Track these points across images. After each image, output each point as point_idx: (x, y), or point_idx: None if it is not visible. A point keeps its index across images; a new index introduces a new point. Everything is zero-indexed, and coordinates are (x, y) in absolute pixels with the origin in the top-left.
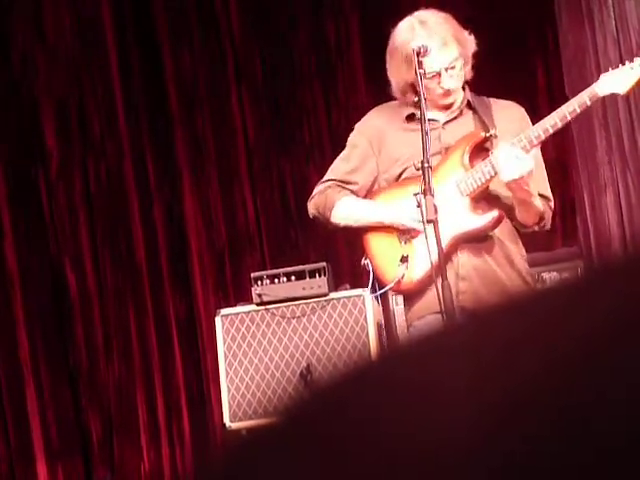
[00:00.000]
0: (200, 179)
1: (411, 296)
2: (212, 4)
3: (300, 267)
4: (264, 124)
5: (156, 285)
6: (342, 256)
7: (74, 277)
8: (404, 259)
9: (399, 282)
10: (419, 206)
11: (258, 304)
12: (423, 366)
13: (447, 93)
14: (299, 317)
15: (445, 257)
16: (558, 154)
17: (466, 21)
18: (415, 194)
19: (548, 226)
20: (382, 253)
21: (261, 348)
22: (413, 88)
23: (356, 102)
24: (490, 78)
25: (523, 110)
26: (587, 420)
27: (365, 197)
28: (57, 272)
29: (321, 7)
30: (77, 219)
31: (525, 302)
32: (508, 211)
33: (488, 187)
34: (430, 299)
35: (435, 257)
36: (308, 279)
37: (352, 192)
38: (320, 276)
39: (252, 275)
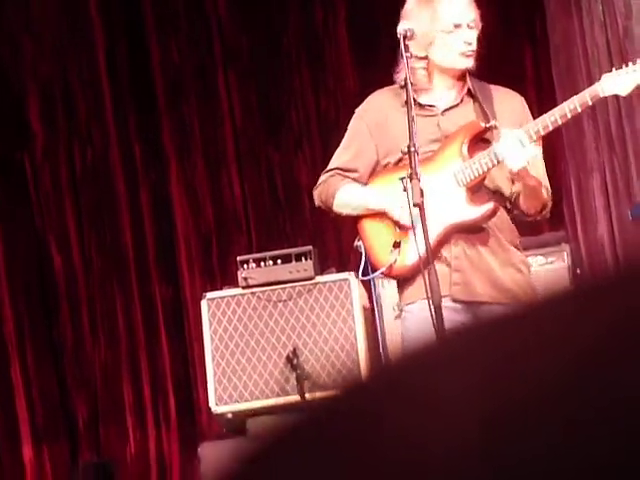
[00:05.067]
0: (187, 163)
1: (403, 281)
2: None
3: (286, 251)
4: (251, 109)
5: (142, 268)
6: (329, 240)
7: (60, 260)
8: (396, 245)
9: (391, 267)
10: (405, 190)
11: (244, 287)
12: (427, 375)
13: (468, 52)
14: (285, 301)
15: (438, 247)
16: (545, 139)
17: None
18: (401, 178)
19: (548, 215)
20: (376, 237)
21: (247, 331)
22: (417, 73)
23: (344, 88)
24: (478, 65)
25: (523, 100)
26: (589, 434)
27: (367, 183)
28: (43, 254)
29: None
30: (63, 202)
31: (526, 312)
32: (505, 203)
33: (485, 179)
34: (422, 284)
35: (424, 244)
36: (294, 262)
37: (354, 180)
38: (306, 260)
39: (238, 259)
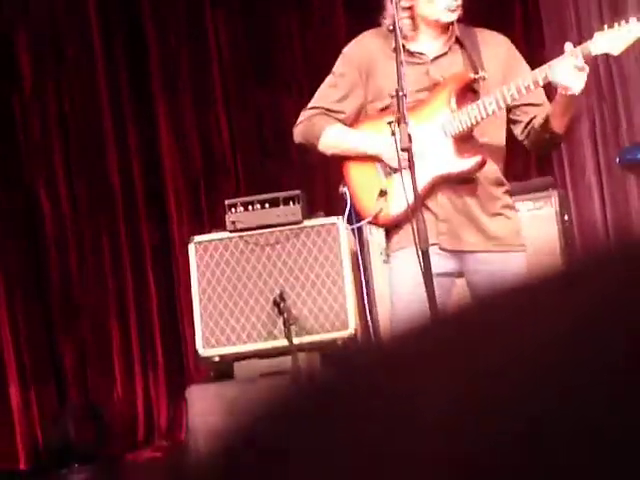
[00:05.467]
0: (174, 106)
1: (390, 228)
2: None
3: (274, 194)
4: (239, 51)
5: (130, 211)
6: (317, 185)
7: (48, 202)
8: (382, 193)
9: (376, 216)
10: (393, 134)
11: (232, 231)
12: (406, 367)
13: (453, 7)
14: (273, 244)
15: (425, 197)
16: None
17: None
18: (389, 122)
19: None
20: (361, 184)
21: (234, 275)
22: (405, 23)
23: (332, 30)
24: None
25: (509, 42)
26: (584, 396)
27: (351, 125)
28: (31, 196)
29: None
30: (51, 144)
31: (520, 287)
32: (496, 153)
33: (473, 130)
34: (410, 232)
35: (411, 193)
36: (282, 206)
37: (339, 121)
38: (294, 204)
39: (226, 202)
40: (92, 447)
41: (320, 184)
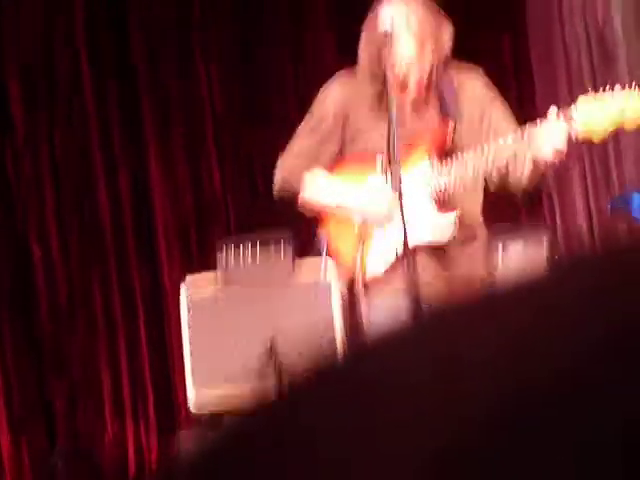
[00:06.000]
0: (166, 149)
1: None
2: None
3: (265, 235)
4: (232, 95)
5: (121, 255)
6: (308, 227)
7: (39, 246)
8: (361, 242)
9: (363, 275)
10: (384, 173)
11: (224, 271)
12: (384, 367)
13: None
14: (266, 287)
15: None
16: (520, 105)
17: None
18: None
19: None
20: (340, 233)
21: (226, 318)
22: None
23: (325, 77)
24: (457, 52)
25: (484, 81)
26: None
27: (330, 169)
28: (22, 241)
29: None
30: (43, 188)
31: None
32: (472, 203)
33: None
34: (391, 288)
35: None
36: (274, 245)
37: (318, 165)
38: (285, 244)
39: (218, 242)
40: None
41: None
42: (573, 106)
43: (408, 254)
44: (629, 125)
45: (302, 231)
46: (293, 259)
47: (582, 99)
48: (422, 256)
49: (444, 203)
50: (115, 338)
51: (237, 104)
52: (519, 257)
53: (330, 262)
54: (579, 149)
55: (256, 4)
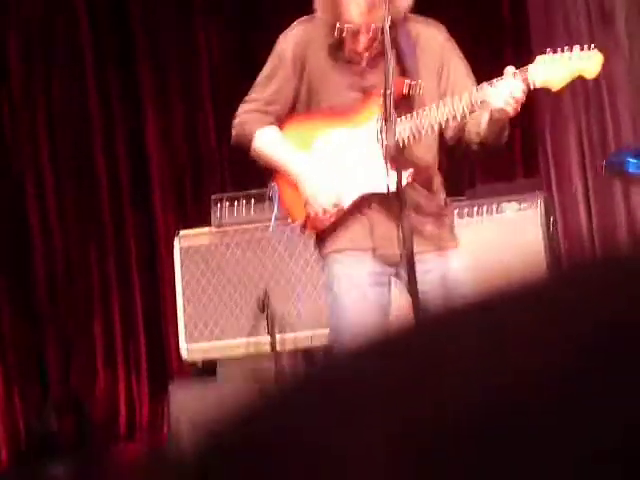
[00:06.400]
0: (163, 102)
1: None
2: None
3: (260, 190)
4: (229, 49)
5: (116, 206)
6: None
7: (35, 197)
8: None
9: (304, 225)
10: (381, 132)
11: (217, 226)
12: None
13: (358, 51)
14: (259, 240)
15: (355, 207)
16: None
17: None
18: (376, 119)
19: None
20: (290, 188)
21: (219, 270)
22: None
23: None
24: (454, 20)
25: (445, 36)
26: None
27: (285, 119)
28: (19, 193)
29: None
30: (39, 139)
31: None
32: (425, 151)
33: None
34: (347, 234)
35: (349, 202)
36: (268, 202)
37: (272, 114)
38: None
39: (212, 197)
40: (74, 440)
41: None
42: (530, 65)
43: (402, 208)
44: (589, 76)
45: None
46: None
47: (539, 59)
48: (374, 207)
49: (397, 158)
50: (108, 289)
51: (234, 58)
52: (514, 217)
53: None
54: (575, 106)
55: None
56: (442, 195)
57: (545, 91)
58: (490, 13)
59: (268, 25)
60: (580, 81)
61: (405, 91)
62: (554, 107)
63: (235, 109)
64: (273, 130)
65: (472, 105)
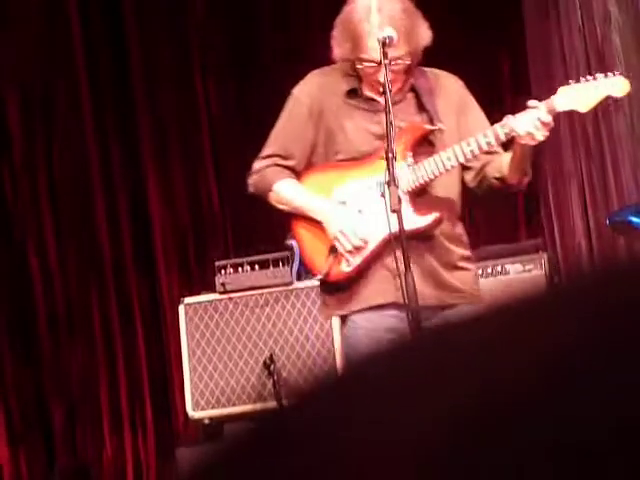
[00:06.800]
0: (164, 166)
1: (338, 288)
2: None
3: (264, 256)
4: (229, 110)
5: (120, 272)
6: None
7: (37, 264)
8: (333, 249)
9: (328, 272)
10: (383, 196)
11: (221, 293)
12: (398, 372)
13: (382, 85)
14: (263, 306)
15: (378, 254)
16: None
17: (426, 11)
18: (378, 183)
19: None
20: (312, 238)
21: (224, 337)
22: (353, 66)
23: None
24: (454, 68)
25: (462, 86)
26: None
27: (305, 169)
28: (20, 258)
29: None
30: (41, 205)
31: (491, 316)
32: (448, 199)
33: (428, 184)
34: (366, 292)
35: (373, 245)
36: (272, 268)
37: (290, 168)
38: (284, 265)
39: (216, 264)
40: None
41: None
42: (553, 97)
43: (406, 268)
44: (617, 95)
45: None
46: (292, 279)
47: (563, 89)
48: (398, 247)
49: (420, 202)
50: (114, 355)
51: (235, 122)
52: (518, 278)
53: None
54: (577, 161)
55: (252, 20)
56: (466, 247)
57: (546, 147)
58: (490, 63)
59: (268, 89)
60: (581, 137)
61: (424, 134)
62: (555, 164)
63: (237, 172)
64: (292, 180)
65: (497, 138)
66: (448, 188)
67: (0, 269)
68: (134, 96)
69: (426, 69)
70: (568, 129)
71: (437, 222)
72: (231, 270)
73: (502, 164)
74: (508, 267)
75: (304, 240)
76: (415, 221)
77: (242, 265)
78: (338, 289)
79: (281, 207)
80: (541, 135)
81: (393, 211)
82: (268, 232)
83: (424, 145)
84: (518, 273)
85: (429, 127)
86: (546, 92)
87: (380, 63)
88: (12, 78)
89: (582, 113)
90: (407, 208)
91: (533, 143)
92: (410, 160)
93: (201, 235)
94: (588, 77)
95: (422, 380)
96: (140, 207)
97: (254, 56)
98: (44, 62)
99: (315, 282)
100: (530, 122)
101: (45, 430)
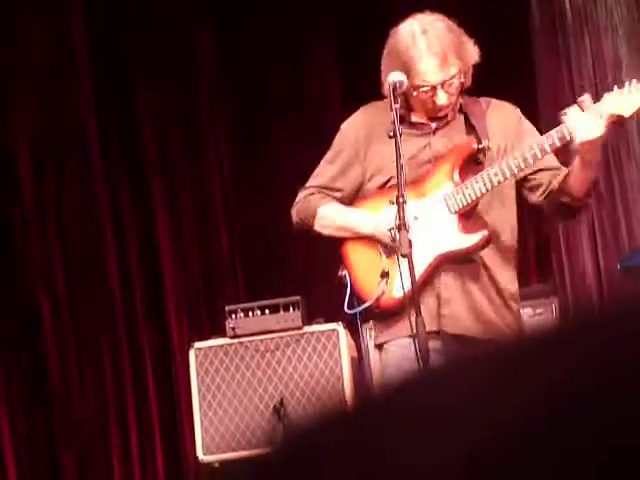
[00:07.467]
0: (174, 212)
1: (386, 316)
2: (186, 44)
3: (274, 300)
4: (239, 158)
5: (130, 318)
6: (316, 291)
7: (48, 309)
8: (384, 274)
9: (378, 299)
10: (394, 240)
11: (232, 337)
12: (420, 401)
13: (440, 108)
14: (273, 351)
15: (427, 278)
16: None
17: None
18: (390, 229)
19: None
20: (362, 265)
21: (235, 381)
22: (405, 96)
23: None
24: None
25: (519, 113)
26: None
27: (350, 205)
28: (31, 305)
29: (297, 45)
30: (51, 253)
31: (504, 350)
32: (501, 229)
33: (477, 205)
34: (406, 322)
35: (412, 282)
36: (282, 312)
37: (336, 199)
38: (294, 310)
39: (226, 308)
40: None
41: (320, 290)
42: (599, 102)
43: (416, 313)
44: None
45: (312, 297)
46: (303, 323)
47: (608, 95)
48: (446, 273)
49: (470, 223)
50: (124, 401)
51: (246, 169)
52: (529, 323)
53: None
54: (588, 209)
55: (260, 80)
56: (515, 284)
57: None
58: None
59: (275, 139)
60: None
61: (473, 156)
62: None
63: (246, 218)
64: (338, 203)
65: (543, 150)
66: (503, 218)
67: (11, 316)
68: (144, 145)
69: (480, 98)
70: None
71: (485, 241)
72: (241, 314)
73: (566, 176)
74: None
75: (354, 267)
76: (462, 240)
77: (252, 309)
78: (381, 317)
79: (326, 232)
80: (598, 129)
81: (403, 255)
82: (278, 279)
83: (472, 165)
84: (529, 317)
85: (476, 146)
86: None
87: (435, 87)
88: (21, 126)
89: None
90: (453, 229)
91: (592, 138)
92: (457, 179)
93: (211, 280)
94: (632, 81)
95: (438, 415)
96: (150, 252)
97: (265, 106)
98: (53, 110)
99: (326, 326)
100: (584, 119)
101: (56, 478)
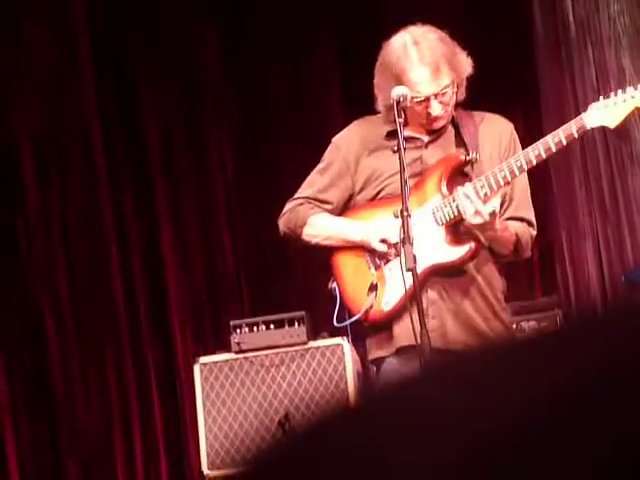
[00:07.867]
0: (179, 225)
1: (377, 330)
2: (188, 45)
3: (279, 316)
4: (243, 170)
5: (134, 331)
6: (321, 305)
7: (52, 322)
8: (372, 287)
9: (367, 312)
10: (397, 255)
11: (237, 352)
12: (418, 401)
13: (434, 119)
14: (278, 365)
15: (414, 291)
16: (537, 203)
17: None
18: (395, 243)
19: (528, 253)
20: (351, 278)
21: (239, 396)
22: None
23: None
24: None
25: (511, 127)
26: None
27: (339, 216)
28: (35, 316)
29: (298, 45)
30: (55, 266)
31: (504, 349)
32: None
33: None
34: (400, 335)
35: (407, 288)
36: (287, 327)
37: (324, 208)
38: (299, 325)
39: (231, 323)
40: None
41: (324, 304)
42: (583, 114)
43: (421, 325)
44: None
45: (317, 311)
46: (308, 338)
47: (593, 106)
48: (433, 287)
49: (455, 236)
50: (129, 414)
51: (250, 182)
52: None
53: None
54: (592, 223)
55: (260, 80)
56: (504, 295)
57: (562, 204)
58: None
59: (281, 148)
60: (596, 194)
61: (462, 169)
62: (571, 221)
63: (250, 231)
64: (326, 214)
65: (529, 161)
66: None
67: (14, 326)
68: (149, 156)
69: (474, 112)
70: (584, 186)
71: (471, 254)
72: (246, 329)
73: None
74: (524, 324)
75: (343, 279)
76: (447, 254)
77: (257, 324)
78: (373, 330)
79: (315, 241)
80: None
81: (408, 269)
82: (283, 293)
83: (460, 177)
84: (534, 330)
85: (463, 157)
86: (561, 152)
87: (428, 98)
88: (26, 135)
89: (598, 172)
90: (441, 240)
91: (479, 223)
92: (445, 191)
93: (216, 295)
94: (618, 91)
95: (439, 412)
96: (155, 266)
97: (268, 118)
98: (57, 118)
99: (331, 341)
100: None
101: None
